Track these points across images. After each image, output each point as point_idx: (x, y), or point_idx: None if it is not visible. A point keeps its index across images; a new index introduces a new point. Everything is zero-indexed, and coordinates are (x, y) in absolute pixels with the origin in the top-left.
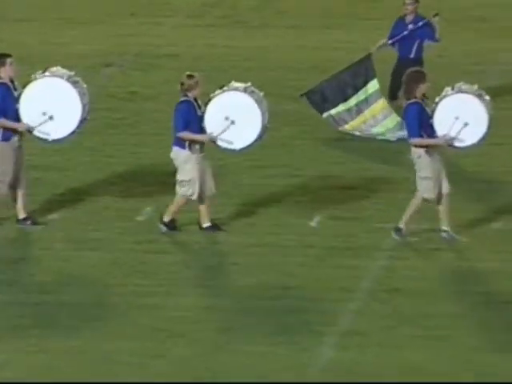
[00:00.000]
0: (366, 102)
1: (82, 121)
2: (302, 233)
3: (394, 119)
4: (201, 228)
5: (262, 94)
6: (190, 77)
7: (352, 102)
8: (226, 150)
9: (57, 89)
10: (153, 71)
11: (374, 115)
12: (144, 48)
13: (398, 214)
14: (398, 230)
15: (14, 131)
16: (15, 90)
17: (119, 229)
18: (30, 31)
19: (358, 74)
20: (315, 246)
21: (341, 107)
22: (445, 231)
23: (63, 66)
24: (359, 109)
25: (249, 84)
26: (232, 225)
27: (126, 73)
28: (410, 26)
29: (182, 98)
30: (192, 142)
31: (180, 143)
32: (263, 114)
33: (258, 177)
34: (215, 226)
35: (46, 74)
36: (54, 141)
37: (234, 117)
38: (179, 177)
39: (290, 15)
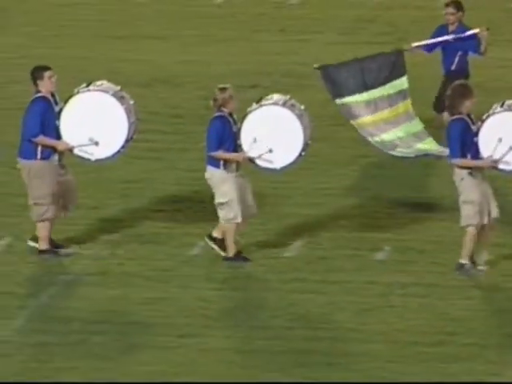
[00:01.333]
0: (390, 99)
1: (128, 140)
2: None
3: (417, 125)
4: (210, 236)
5: (303, 107)
6: (222, 90)
7: (373, 94)
8: (265, 169)
9: (101, 105)
10: (300, 93)
11: (396, 115)
12: (291, 67)
13: None
14: (460, 266)
15: (54, 149)
16: (56, 104)
17: (263, 266)
18: (163, 49)
19: (385, 65)
20: (481, 286)
21: (359, 97)
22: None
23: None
24: (379, 105)
25: (288, 97)
26: (387, 262)
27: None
28: (451, 37)
29: (217, 114)
30: (227, 161)
31: (214, 162)
32: (305, 130)
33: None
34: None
35: (90, 87)
36: (97, 161)
37: (273, 136)
38: (217, 199)
39: None
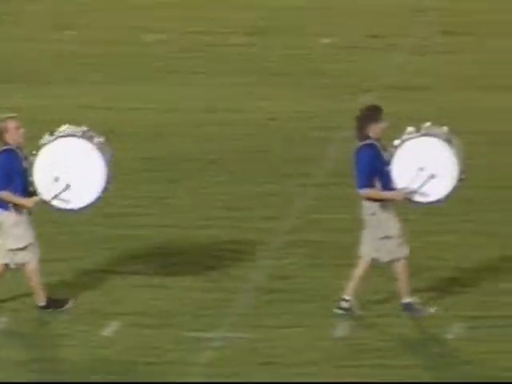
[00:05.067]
0: None
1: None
2: None
3: None
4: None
5: (101, 140)
6: (6, 119)
7: None
8: (62, 210)
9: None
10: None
11: None
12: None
13: None
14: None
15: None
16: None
17: None
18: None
19: None
20: None
21: None
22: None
23: None
24: None
25: (86, 128)
26: None
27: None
28: None
29: (3, 147)
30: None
31: (3, 204)
32: (108, 164)
33: None
34: (57, 303)
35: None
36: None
37: (68, 170)
38: (10, 245)
39: None
